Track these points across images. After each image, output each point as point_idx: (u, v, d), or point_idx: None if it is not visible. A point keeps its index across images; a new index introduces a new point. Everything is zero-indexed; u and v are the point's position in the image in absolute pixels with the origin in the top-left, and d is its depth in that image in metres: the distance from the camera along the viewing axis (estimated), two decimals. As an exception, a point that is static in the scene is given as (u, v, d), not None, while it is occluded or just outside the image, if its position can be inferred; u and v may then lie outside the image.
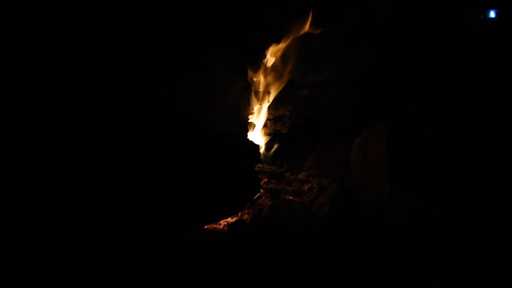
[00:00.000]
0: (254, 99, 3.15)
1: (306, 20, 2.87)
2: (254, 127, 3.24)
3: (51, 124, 2.27)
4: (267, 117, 3.29)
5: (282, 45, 2.97)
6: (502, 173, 2.31)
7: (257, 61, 2.99)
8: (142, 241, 2.26)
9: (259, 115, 3.22)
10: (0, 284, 2.01)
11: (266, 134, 3.31)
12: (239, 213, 2.79)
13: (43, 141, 2.25)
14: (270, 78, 3.12)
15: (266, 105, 3.21)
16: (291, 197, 2.98)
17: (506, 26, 2.30)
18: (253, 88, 3.12)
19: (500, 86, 2.41)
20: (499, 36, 2.31)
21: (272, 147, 3.32)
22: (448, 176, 2.39)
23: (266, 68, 3.06)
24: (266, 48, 3.01)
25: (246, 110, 3.10)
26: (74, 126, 2.28)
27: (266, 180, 3.16)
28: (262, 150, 3.28)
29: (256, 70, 3.06)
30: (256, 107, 3.19)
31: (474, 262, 2.14)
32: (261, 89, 3.13)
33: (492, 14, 2.32)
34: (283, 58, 3.02)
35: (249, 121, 3.15)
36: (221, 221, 2.70)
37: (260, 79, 3.10)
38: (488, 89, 2.44)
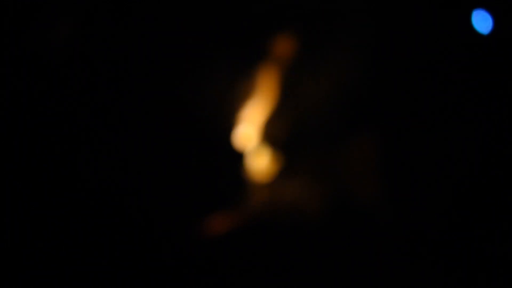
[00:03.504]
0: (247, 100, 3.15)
1: None
2: (249, 126, 3.24)
3: (50, 122, 2.29)
4: (261, 116, 3.29)
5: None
6: (499, 177, 2.34)
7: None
8: (134, 240, 2.29)
9: (253, 115, 3.23)
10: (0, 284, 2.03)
11: (260, 134, 3.32)
12: (231, 214, 2.80)
13: (42, 138, 2.27)
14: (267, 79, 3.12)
15: (258, 104, 3.21)
16: (285, 199, 2.99)
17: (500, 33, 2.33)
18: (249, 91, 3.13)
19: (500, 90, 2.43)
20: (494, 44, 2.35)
21: (267, 147, 3.33)
22: (444, 179, 2.42)
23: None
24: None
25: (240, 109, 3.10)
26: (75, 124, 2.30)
27: (260, 181, 3.16)
28: (256, 149, 3.29)
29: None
30: (250, 107, 3.19)
31: (469, 263, 2.18)
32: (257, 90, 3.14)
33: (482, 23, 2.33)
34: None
35: (244, 121, 3.16)
36: (213, 223, 2.71)
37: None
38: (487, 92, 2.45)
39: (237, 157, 2.76)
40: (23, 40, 2.39)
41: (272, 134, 3.24)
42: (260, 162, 3.29)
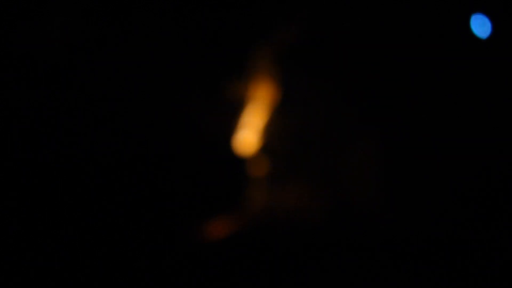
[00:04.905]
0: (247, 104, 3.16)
1: None
2: (249, 131, 3.25)
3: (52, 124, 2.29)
4: (261, 121, 3.29)
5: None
6: (499, 178, 2.35)
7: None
8: (135, 241, 2.28)
9: (253, 120, 3.23)
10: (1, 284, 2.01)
11: (260, 137, 3.32)
12: (232, 218, 2.80)
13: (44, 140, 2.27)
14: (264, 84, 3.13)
15: (257, 109, 3.22)
16: (283, 201, 2.99)
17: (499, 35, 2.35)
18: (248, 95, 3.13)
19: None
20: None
21: (265, 149, 3.33)
22: (444, 181, 2.43)
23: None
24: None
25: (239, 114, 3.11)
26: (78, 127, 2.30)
27: (258, 183, 3.16)
28: (254, 152, 3.28)
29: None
30: (249, 111, 3.19)
31: (469, 264, 2.19)
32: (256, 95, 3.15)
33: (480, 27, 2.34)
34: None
35: (244, 125, 3.16)
36: (214, 227, 2.70)
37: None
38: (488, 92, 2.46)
39: (238, 162, 2.76)
40: (21, 40, 2.39)
41: (272, 139, 3.25)
42: (260, 165, 3.30)
